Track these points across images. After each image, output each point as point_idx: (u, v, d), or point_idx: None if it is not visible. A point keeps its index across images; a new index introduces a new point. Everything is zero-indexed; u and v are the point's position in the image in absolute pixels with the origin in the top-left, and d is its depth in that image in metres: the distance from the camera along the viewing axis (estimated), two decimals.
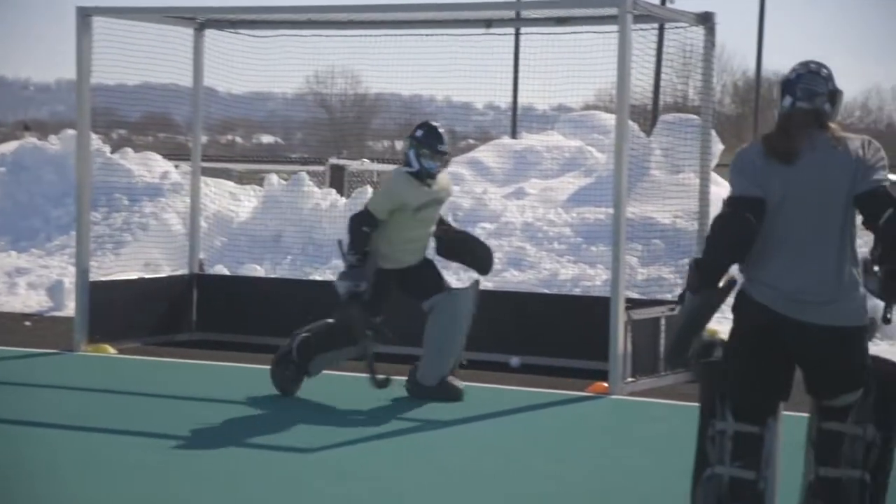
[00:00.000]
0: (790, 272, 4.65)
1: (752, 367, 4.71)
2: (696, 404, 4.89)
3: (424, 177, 8.23)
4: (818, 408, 4.81)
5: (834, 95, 4.75)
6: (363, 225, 8.14)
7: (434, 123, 8.41)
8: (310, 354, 8.44)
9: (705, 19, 9.68)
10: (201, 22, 11.03)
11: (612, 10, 9.18)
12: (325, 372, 8.67)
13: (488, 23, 10.36)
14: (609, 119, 16.00)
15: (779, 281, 4.65)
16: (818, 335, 4.65)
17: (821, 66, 4.78)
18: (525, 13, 10.75)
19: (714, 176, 15.80)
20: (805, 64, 4.79)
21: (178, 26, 11.00)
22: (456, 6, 10.07)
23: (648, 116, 17.51)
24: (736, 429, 4.72)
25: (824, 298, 4.64)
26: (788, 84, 4.75)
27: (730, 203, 4.66)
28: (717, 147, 15.26)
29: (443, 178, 8.49)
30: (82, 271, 10.32)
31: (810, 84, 4.72)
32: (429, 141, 8.20)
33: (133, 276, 11.81)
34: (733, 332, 4.79)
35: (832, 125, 4.73)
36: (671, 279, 11.95)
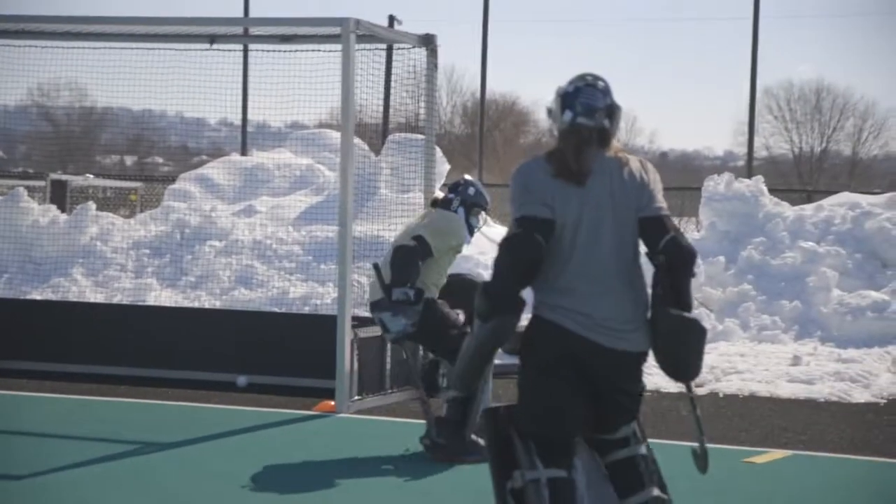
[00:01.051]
0: (599, 298, 4.43)
1: (561, 399, 4.43)
2: (419, 421, 4.86)
3: (471, 233, 8.10)
4: (596, 445, 4.56)
5: (612, 110, 4.55)
6: (419, 258, 7.69)
7: (473, 179, 8.25)
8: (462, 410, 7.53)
9: (427, 41, 9.86)
10: None
11: (335, 30, 9.24)
12: None
13: (212, 39, 10.26)
14: (338, 137, 16.08)
15: (589, 308, 4.41)
16: (627, 362, 4.47)
17: (597, 78, 4.59)
18: (251, 30, 10.71)
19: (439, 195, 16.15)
20: (582, 77, 4.59)
21: None
22: (180, 21, 9.94)
23: (379, 135, 17.69)
24: (548, 475, 4.41)
25: (632, 326, 4.47)
26: (567, 97, 4.54)
27: (519, 223, 4.39)
28: (444, 167, 15.54)
29: None
30: None
31: (590, 99, 4.52)
32: (480, 201, 8.02)
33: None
34: (530, 364, 4.49)
35: (614, 143, 4.55)
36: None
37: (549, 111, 4.64)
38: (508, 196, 4.56)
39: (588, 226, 4.45)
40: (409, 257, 7.55)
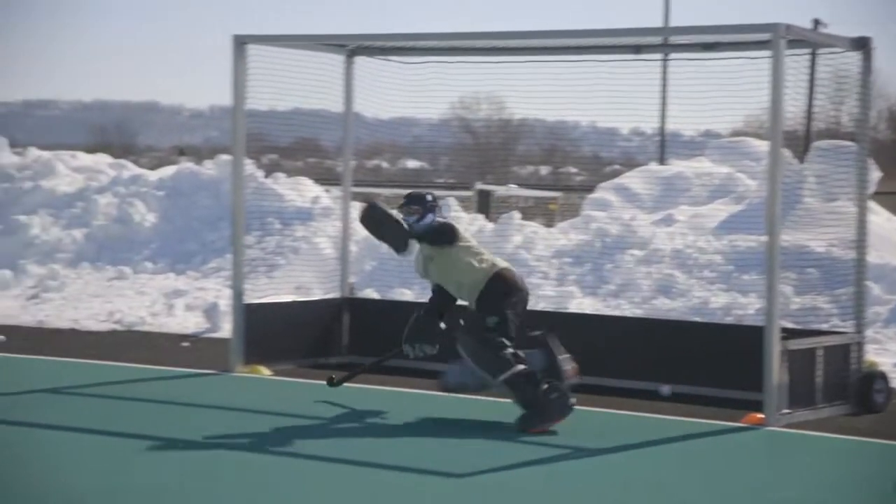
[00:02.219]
0: None
1: None
2: (855, 438, 4.73)
3: None
4: None
5: None
6: None
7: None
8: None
9: (861, 44, 9.49)
10: (352, 49, 11.21)
11: (764, 36, 9.07)
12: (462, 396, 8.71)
13: (637, 48, 10.33)
14: (759, 145, 15.77)
15: None
16: None
17: None
18: (673, 39, 10.69)
19: (871, 204, 15.48)
20: None
21: (330, 53, 11.20)
22: (604, 33, 10.06)
23: (801, 143, 17.20)
24: None
25: None
26: None
27: None
28: (875, 174, 14.93)
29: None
30: (237, 294, 10.53)
31: None
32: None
33: (286, 299, 11.99)
34: None
35: None
36: (827, 309, 11.70)
37: None
38: None
39: None
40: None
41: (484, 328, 8.44)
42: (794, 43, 9.27)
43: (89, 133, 64.51)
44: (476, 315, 8.55)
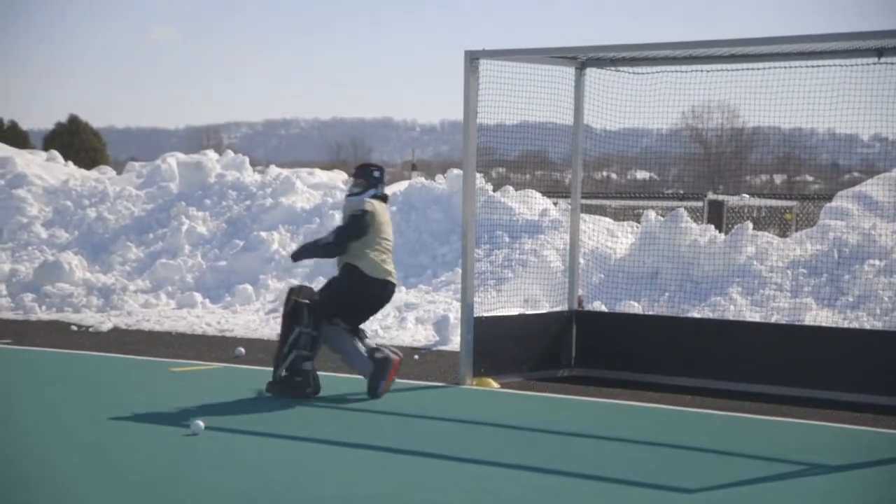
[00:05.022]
0: None
1: None
2: None
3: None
4: None
5: None
6: None
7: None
8: None
9: None
10: (583, 61, 11.19)
11: None
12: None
13: (880, 52, 9.97)
14: None
15: None
16: None
17: None
18: None
19: None
20: None
21: (560, 66, 11.20)
22: (845, 36, 9.75)
23: None
24: None
25: None
26: None
27: None
28: None
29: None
30: (467, 307, 10.62)
31: None
32: None
33: (514, 311, 12.04)
34: None
35: None
36: None
37: None
38: None
39: None
40: None
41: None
42: None
43: (326, 150, 66.42)
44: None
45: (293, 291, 9.81)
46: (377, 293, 9.77)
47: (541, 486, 6.99)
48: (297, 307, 9.67)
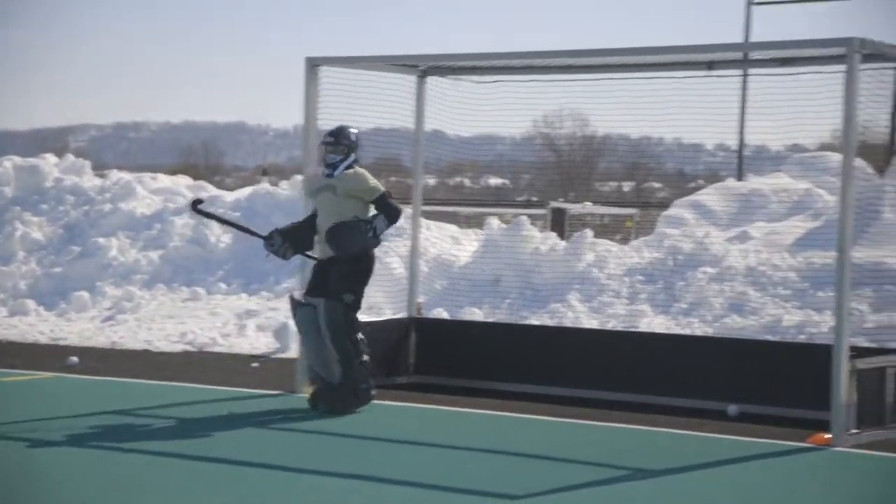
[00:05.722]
0: None
1: None
2: None
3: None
4: None
5: None
6: None
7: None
8: None
9: None
10: (424, 69, 11.22)
11: (840, 50, 8.92)
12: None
13: (710, 65, 10.23)
14: (839, 160, 15.47)
15: None
16: None
17: None
18: (750, 55, 10.55)
19: None
20: None
21: (402, 74, 11.22)
22: (678, 49, 9.98)
23: (883, 157, 16.90)
24: None
25: None
26: None
27: None
28: None
29: (348, 172, 9.56)
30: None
31: None
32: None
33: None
34: None
35: None
36: None
37: None
38: None
39: None
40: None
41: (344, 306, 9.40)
42: (872, 57, 9.13)
43: (177, 153, 65.46)
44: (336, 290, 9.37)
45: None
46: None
47: (371, 495, 6.97)
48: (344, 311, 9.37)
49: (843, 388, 8.53)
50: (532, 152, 19.25)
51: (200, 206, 10.08)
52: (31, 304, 15.27)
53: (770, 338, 11.85)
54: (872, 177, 14.14)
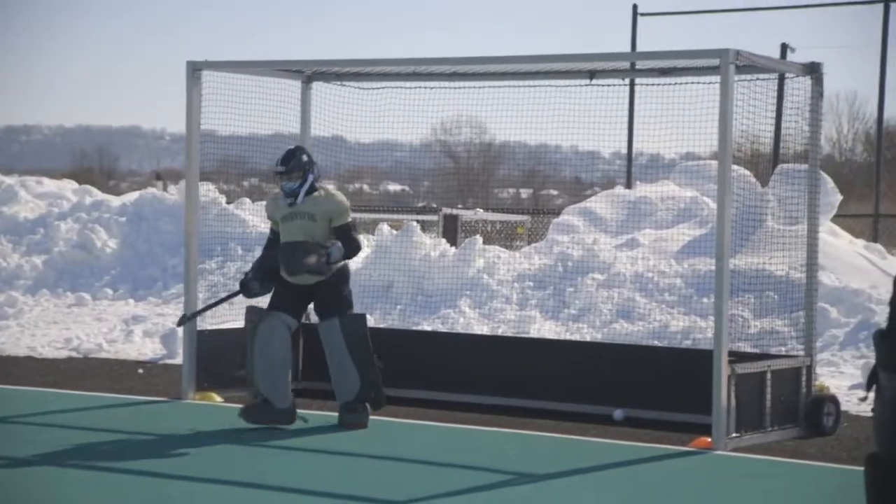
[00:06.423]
0: None
1: None
2: (803, 462, 4.67)
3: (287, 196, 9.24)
4: None
5: None
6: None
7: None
8: None
9: (812, 69, 9.53)
10: (308, 74, 11.18)
11: (714, 62, 9.11)
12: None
13: (591, 74, 10.35)
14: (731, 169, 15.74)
15: None
16: None
17: None
18: (619, 63, 10.70)
19: (832, 227, 15.49)
20: None
21: (286, 79, 11.17)
22: (558, 58, 10.08)
23: (767, 166, 17.24)
24: None
25: None
26: None
27: None
28: (836, 197, 14.95)
29: (318, 195, 9.23)
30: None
31: None
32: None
33: (239, 325, 11.91)
34: None
35: None
36: (785, 332, 11.67)
37: None
38: None
39: None
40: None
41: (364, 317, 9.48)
42: (749, 68, 9.32)
43: (71, 158, 64.42)
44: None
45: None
46: None
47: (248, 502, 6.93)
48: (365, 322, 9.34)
49: (723, 393, 8.68)
50: (430, 159, 19.27)
51: (188, 318, 9.92)
52: None
53: (657, 343, 12.01)
54: (755, 185, 14.40)
